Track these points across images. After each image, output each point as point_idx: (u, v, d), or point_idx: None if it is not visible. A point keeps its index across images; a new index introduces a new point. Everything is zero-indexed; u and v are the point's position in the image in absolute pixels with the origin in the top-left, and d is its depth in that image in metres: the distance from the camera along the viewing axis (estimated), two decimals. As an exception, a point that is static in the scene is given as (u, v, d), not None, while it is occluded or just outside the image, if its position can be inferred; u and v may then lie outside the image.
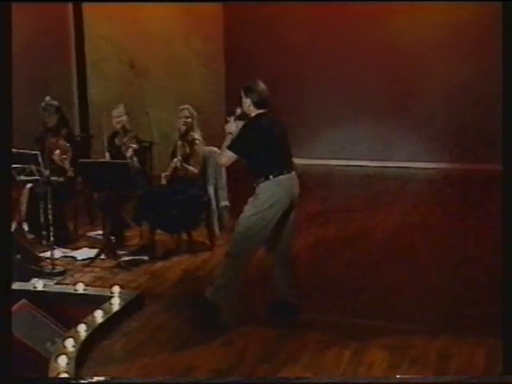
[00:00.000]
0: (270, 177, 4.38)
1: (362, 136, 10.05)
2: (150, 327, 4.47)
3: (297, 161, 4.68)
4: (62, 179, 5.56)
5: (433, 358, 3.95)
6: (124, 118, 6.17)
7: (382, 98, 9.87)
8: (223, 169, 6.12)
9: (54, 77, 8.21)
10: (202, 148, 6.07)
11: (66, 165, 6.15)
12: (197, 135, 6.04)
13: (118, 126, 6.16)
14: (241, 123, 4.54)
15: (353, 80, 9.87)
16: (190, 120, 6.00)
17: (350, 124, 10.07)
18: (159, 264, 5.73)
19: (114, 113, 6.17)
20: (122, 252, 5.86)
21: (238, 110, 4.55)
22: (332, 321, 4.54)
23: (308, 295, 4.95)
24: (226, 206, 6.16)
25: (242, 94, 4.48)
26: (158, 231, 6.05)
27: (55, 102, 6.25)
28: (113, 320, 4.45)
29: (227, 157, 4.47)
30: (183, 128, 6.02)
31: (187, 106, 6.07)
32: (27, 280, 5.07)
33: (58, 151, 6.09)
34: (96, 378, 3.61)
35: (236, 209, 6.27)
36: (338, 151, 10.11)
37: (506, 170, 3.25)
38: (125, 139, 6.13)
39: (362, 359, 3.95)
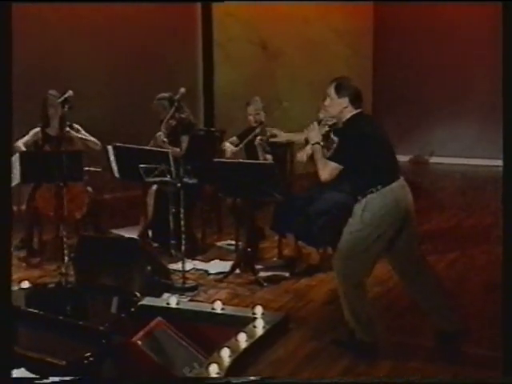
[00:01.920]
0: (379, 187, 4.41)
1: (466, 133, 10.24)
2: (299, 356, 4.64)
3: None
4: (194, 181, 5.84)
5: None
6: (262, 114, 6.42)
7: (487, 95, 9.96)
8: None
9: (178, 61, 8.65)
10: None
11: (179, 150, 6.44)
12: None
13: (255, 125, 6.41)
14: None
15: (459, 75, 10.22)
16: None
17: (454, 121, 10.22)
18: (302, 282, 5.93)
19: (251, 109, 6.42)
20: (258, 266, 6.12)
21: (321, 115, 4.62)
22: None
23: (483, 327, 4.98)
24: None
25: (333, 93, 4.44)
26: (299, 243, 6.27)
27: (167, 94, 6.62)
28: (257, 345, 4.67)
29: (331, 170, 4.43)
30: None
31: None
32: (158, 295, 5.41)
33: (161, 134, 6.36)
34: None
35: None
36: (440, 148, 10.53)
37: (506, 170, 3.52)
38: (261, 137, 6.35)
39: None
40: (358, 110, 4.49)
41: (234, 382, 4.07)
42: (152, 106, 6.66)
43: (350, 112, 4.46)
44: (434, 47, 10.33)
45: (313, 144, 4.55)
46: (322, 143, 4.56)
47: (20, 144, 6.48)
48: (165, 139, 6.40)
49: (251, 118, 6.47)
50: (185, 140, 6.60)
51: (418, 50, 10.37)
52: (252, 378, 4.13)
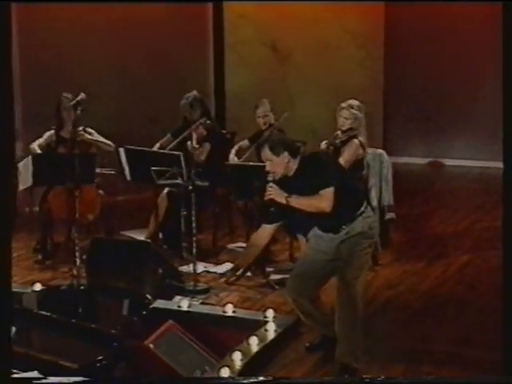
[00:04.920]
0: (362, 209, 4.44)
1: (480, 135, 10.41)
2: (311, 359, 4.67)
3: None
4: (206, 183, 5.87)
5: None
6: (271, 116, 6.44)
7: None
8: (389, 175, 6.24)
9: (190, 63, 8.71)
10: (362, 151, 6.12)
11: (201, 157, 6.45)
12: (359, 137, 6.06)
13: (264, 127, 6.43)
14: None
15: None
16: (349, 122, 5.99)
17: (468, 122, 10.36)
18: (313, 285, 5.92)
19: (260, 111, 6.44)
20: (269, 269, 6.14)
21: (270, 178, 4.42)
22: None
23: (496, 331, 4.98)
24: (391, 220, 6.27)
25: (270, 155, 4.36)
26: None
27: (198, 95, 6.65)
28: (269, 348, 4.70)
29: (327, 196, 4.29)
30: (342, 129, 6.08)
31: (352, 102, 6.02)
32: (169, 297, 5.44)
33: (194, 140, 6.32)
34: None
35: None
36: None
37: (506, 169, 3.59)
38: None
39: None
40: (298, 158, 4.43)
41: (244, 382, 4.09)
42: (186, 103, 6.62)
43: (294, 163, 4.40)
44: (446, 47, 10.30)
45: (287, 199, 4.37)
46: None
47: (35, 146, 6.52)
48: (196, 145, 6.38)
49: (260, 120, 6.49)
50: (207, 147, 6.60)
51: (431, 51, 10.34)
52: (262, 378, 4.14)
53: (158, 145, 6.64)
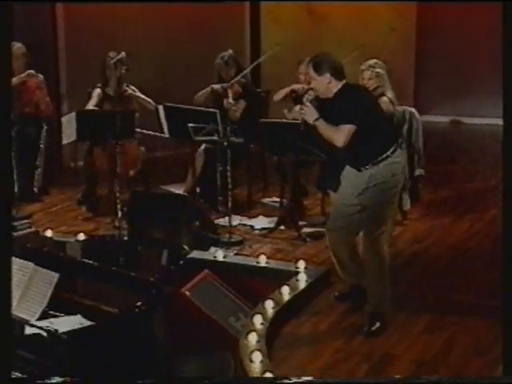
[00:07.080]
0: (388, 153, 4.34)
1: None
2: (340, 308, 4.70)
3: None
4: (241, 140, 5.88)
5: None
6: None
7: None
8: (419, 131, 6.15)
9: (226, 25, 8.65)
10: (392, 108, 6.03)
11: (237, 114, 6.41)
12: (387, 94, 5.97)
13: (304, 85, 6.36)
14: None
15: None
16: (372, 81, 5.80)
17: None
18: (344, 238, 5.92)
19: (302, 68, 6.36)
20: (302, 223, 6.14)
21: (312, 93, 4.44)
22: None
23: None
24: (420, 176, 6.21)
25: (313, 73, 4.34)
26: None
27: (233, 53, 6.62)
28: (300, 298, 4.73)
29: (346, 131, 4.24)
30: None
31: (371, 62, 5.83)
32: (205, 249, 5.49)
33: (230, 97, 6.30)
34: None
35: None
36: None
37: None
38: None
39: None
40: (343, 82, 4.38)
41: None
42: (221, 62, 6.59)
43: (335, 86, 4.35)
44: (478, 7, 10.05)
45: (314, 122, 4.37)
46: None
47: (91, 107, 6.58)
48: (232, 101, 6.36)
49: (301, 76, 6.41)
50: (242, 104, 6.57)
51: (463, 10, 10.12)
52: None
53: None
